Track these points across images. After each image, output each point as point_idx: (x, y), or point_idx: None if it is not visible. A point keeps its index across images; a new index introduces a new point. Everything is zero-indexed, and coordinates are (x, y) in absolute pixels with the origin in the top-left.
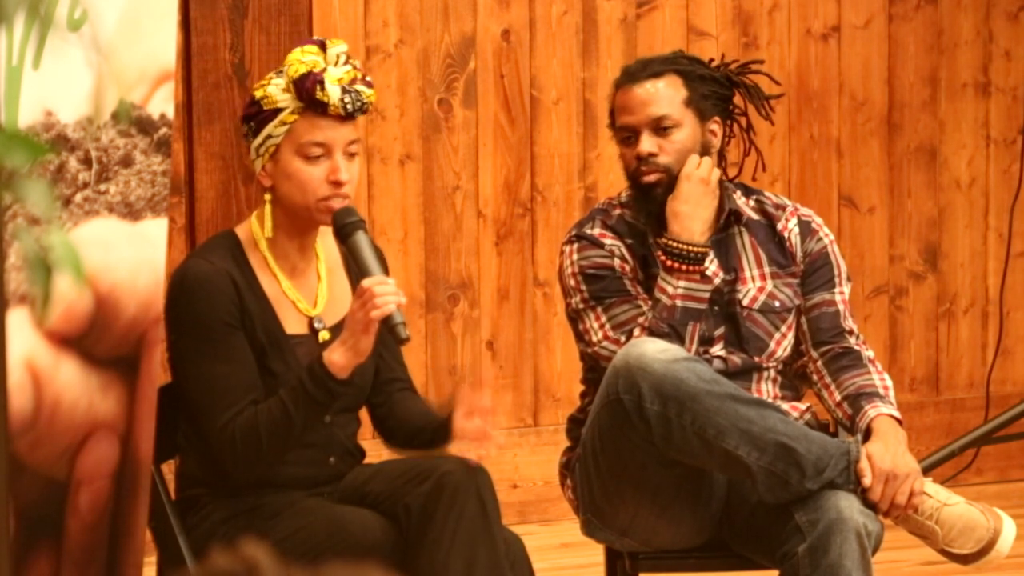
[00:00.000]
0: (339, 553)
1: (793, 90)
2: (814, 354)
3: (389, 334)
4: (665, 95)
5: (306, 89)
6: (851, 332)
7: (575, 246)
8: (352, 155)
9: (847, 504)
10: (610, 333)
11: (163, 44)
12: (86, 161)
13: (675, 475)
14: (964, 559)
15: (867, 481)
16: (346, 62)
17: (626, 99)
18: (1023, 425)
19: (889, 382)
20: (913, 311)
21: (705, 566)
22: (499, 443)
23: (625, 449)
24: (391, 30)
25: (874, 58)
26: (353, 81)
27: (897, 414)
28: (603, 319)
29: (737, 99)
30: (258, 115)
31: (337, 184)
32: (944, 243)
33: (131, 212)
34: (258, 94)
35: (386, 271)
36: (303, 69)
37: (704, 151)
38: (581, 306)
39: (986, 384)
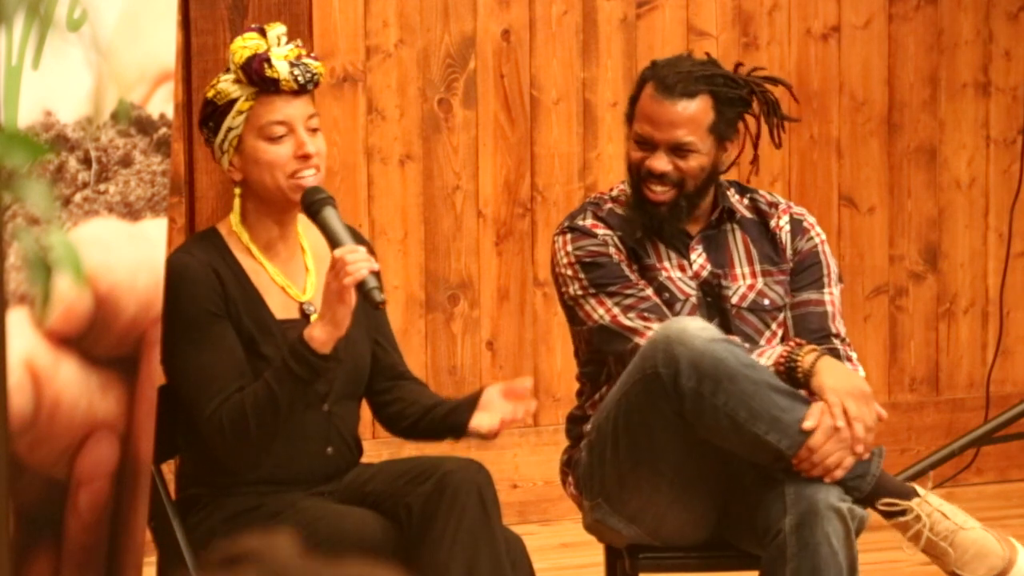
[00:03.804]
0: (340, 553)
1: (793, 90)
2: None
3: (364, 300)
4: (693, 120)
5: (254, 70)
6: (836, 335)
7: (568, 236)
8: (314, 130)
9: (831, 489)
10: (619, 316)
11: (163, 44)
12: (86, 161)
13: (697, 461)
14: None
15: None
16: (288, 42)
17: (653, 110)
18: (1023, 425)
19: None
20: (913, 311)
21: (705, 566)
22: (531, 408)
23: (655, 426)
24: (391, 30)
25: (874, 58)
26: (299, 57)
27: None
28: (608, 303)
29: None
30: (214, 113)
31: (305, 157)
32: (944, 243)
33: (131, 212)
34: (209, 94)
35: (371, 252)
36: (247, 53)
37: (714, 171)
38: (580, 292)
39: (986, 384)
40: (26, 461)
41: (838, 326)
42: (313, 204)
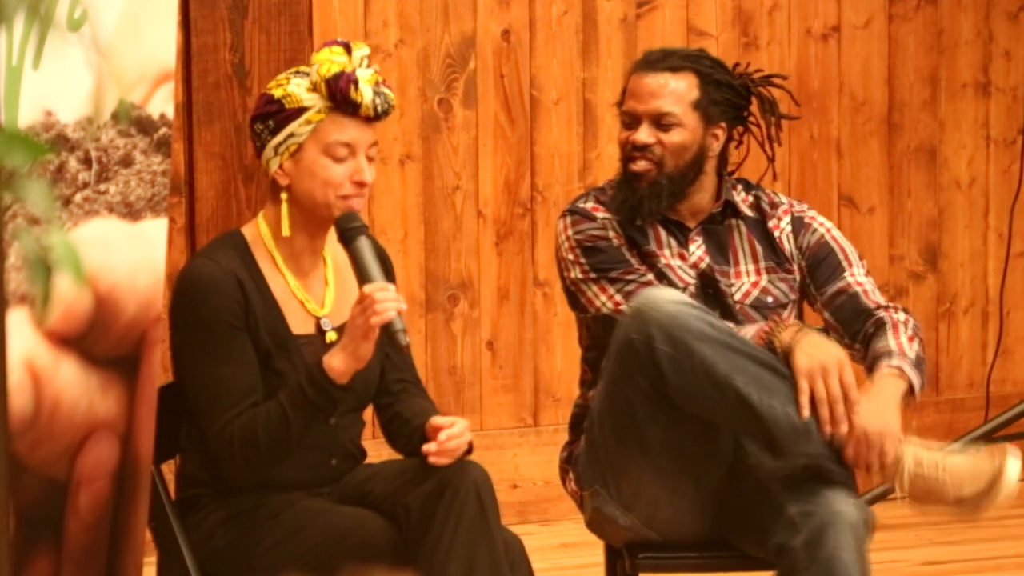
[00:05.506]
0: (339, 553)
1: (793, 90)
2: (857, 346)
3: (389, 341)
4: (675, 92)
5: (340, 88)
6: (876, 307)
7: (569, 220)
8: (371, 158)
9: (841, 496)
10: (622, 305)
11: (163, 44)
12: (86, 161)
13: (680, 441)
14: (977, 500)
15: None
16: (368, 65)
17: (637, 85)
18: (1023, 425)
19: (904, 339)
20: (913, 311)
21: (705, 566)
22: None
23: (634, 398)
24: (391, 30)
25: (874, 58)
26: (378, 84)
27: (899, 363)
28: (611, 291)
29: (754, 107)
30: (279, 113)
31: (360, 185)
32: (944, 243)
33: (131, 212)
34: (277, 93)
35: (391, 275)
36: (335, 68)
37: (701, 153)
38: (581, 277)
39: (986, 384)
40: (26, 461)
41: (874, 298)
42: (347, 232)
